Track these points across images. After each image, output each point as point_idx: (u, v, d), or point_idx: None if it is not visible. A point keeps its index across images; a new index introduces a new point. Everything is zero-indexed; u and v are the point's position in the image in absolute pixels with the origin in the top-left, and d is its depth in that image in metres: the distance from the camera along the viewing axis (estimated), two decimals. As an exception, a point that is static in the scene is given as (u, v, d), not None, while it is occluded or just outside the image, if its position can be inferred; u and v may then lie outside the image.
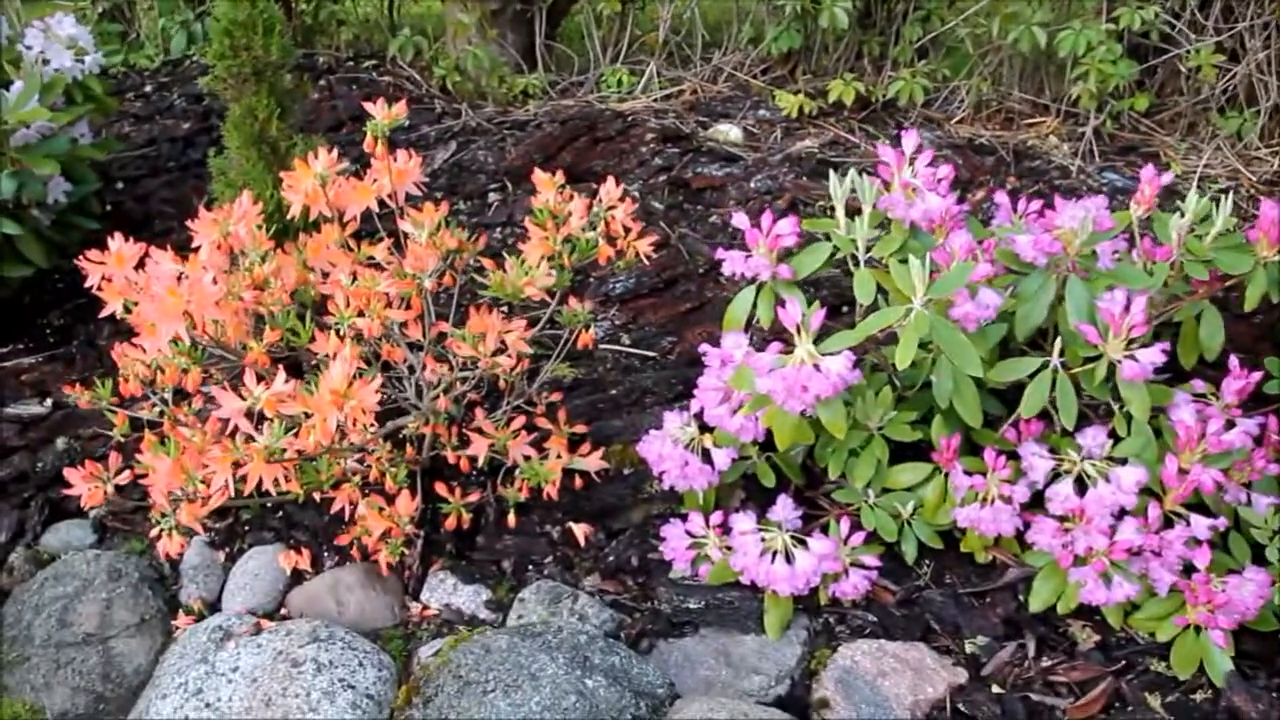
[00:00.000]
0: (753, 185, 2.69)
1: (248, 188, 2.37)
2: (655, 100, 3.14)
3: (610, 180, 1.71)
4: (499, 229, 2.64)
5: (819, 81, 3.09)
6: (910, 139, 1.57)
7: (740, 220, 1.56)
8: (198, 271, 1.52)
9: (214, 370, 1.73)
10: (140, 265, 1.66)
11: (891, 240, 1.47)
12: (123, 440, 1.68)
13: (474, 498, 1.64)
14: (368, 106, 1.71)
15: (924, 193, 1.53)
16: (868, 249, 1.51)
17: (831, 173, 1.56)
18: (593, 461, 1.69)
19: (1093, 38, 2.63)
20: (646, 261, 1.70)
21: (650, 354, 2.14)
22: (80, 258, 1.64)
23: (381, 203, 1.73)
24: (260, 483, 1.34)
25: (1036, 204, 1.78)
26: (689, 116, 3.04)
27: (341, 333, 1.43)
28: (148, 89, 3.53)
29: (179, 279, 1.54)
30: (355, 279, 1.48)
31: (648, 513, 1.73)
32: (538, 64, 3.31)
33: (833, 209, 2.61)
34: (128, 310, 1.61)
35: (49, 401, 2.17)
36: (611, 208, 1.69)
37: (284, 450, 1.30)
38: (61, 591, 1.65)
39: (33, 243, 2.30)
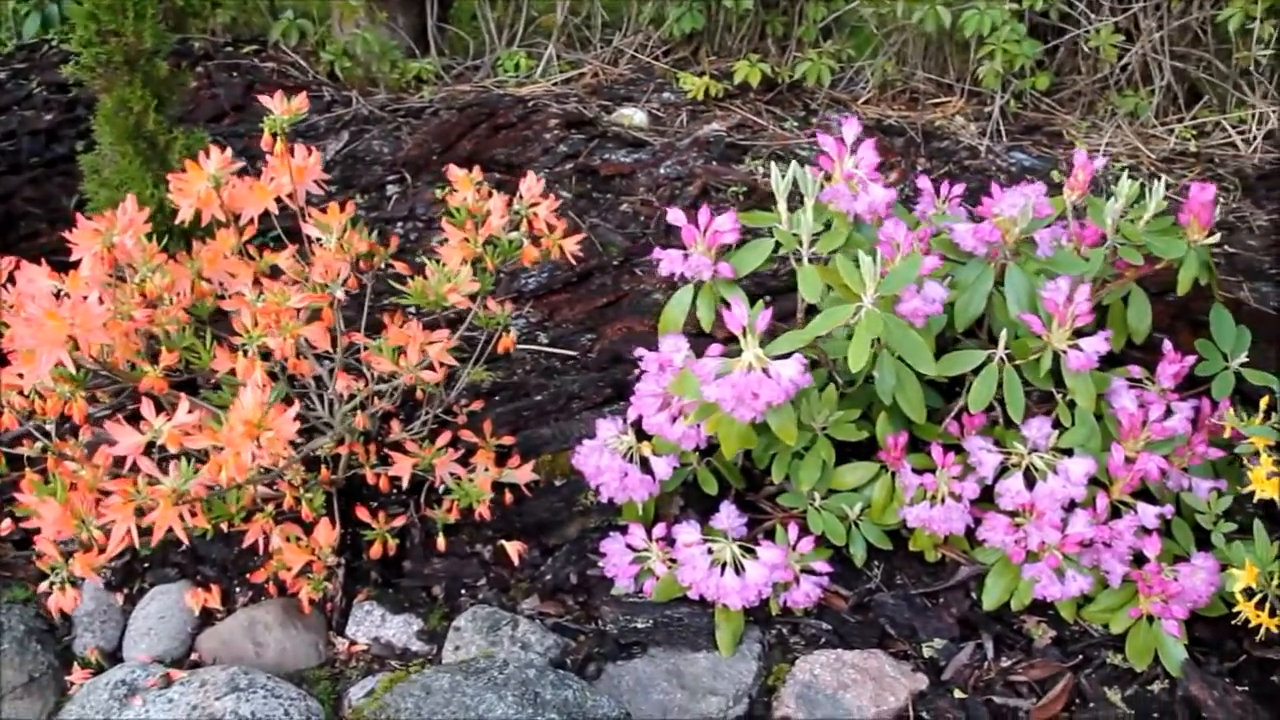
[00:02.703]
0: (662, 171, 2.61)
1: (124, 187, 2.19)
2: (555, 85, 3.03)
3: (530, 175, 1.60)
4: (400, 224, 2.51)
5: (723, 63, 3.02)
6: (850, 127, 1.51)
7: (676, 217, 1.47)
8: (79, 288, 1.36)
9: (100, 395, 1.57)
10: (9, 280, 1.50)
11: (836, 235, 1.41)
12: (-2, 479, 1.51)
13: (399, 522, 1.53)
14: (264, 100, 1.56)
15: (867, 184, 1.47)
16: (811, 244, 1.45)
17: (773, 165, 1.49)
18: (523, 474, 1.60)
19: (997, 18, 2.62)
20: (571, 259, 1.60)
21: (570, 353, 2.05)
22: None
23: (279, 202, 1.59)
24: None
25: (959, 188, 1.75)
26: (591, 101, 2.94)
27: (249, 353, 1.30)
28: (1, 76, 3.26)
29: (57, 296, 1.39)
30: (261, 292, 1.35)
31: (584, 526, 1.64)
32: (430, 48, 3.16)
33: (744, 194, 2.58)
34: None
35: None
36: (534, 205, 1.58)
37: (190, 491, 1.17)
38: (-68, 652, 1.47)
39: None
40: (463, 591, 1.57)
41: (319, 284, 1.42)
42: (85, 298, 1.30)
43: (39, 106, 3.12)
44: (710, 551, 1.48)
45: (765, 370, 1.34)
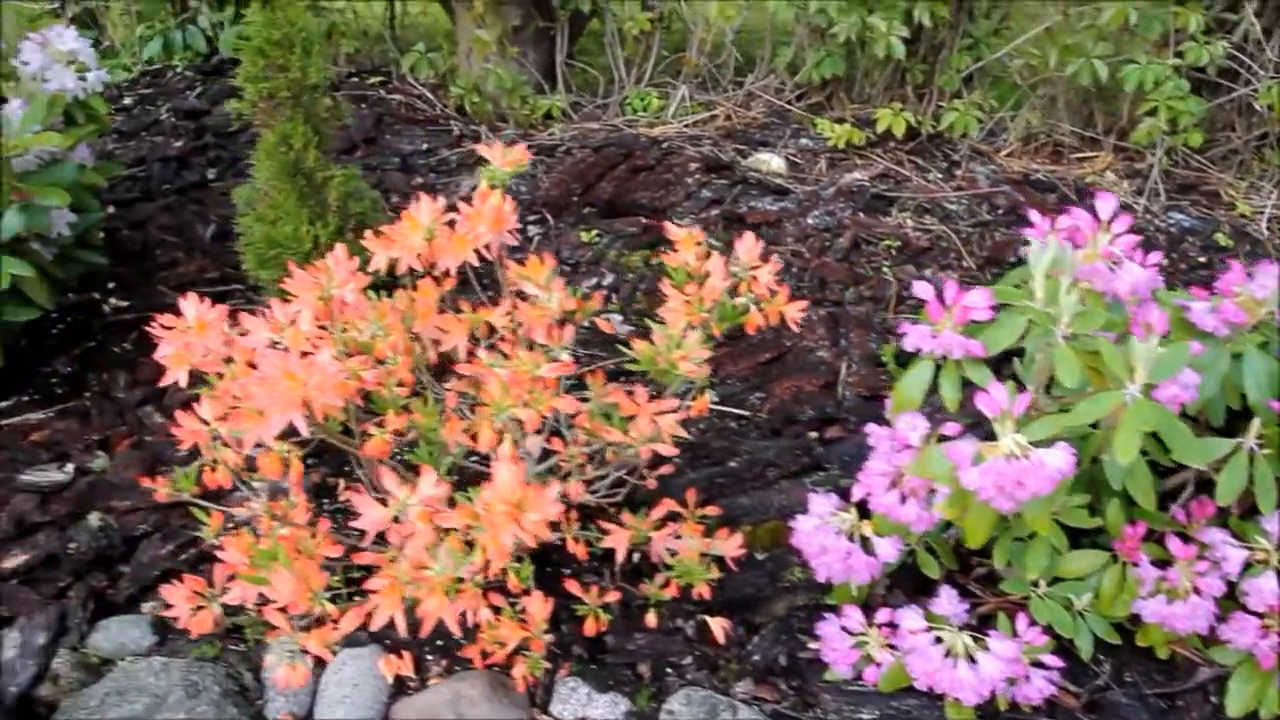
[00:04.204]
0: (810, 221, 2.55)
1: (279, 223, 2.16)
2: (687, 126, 2.98)
3: (749, 236, 1.54)
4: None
5: (859, 109, 2.97)
6: (1107, 202, 1.44)
7: (924, 290, 1.41)
8: (299, 344, 1.32)
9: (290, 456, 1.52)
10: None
11: (1093, 315, 1.33)
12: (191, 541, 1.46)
13: (612, 597, 1.46)
14: (481, 150, 1.51)
15: (1126, 263, 1.40)
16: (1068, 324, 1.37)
17: (1033, 241, 1.41)
18: (731, 548, 1.53)
19: (1159, 73, 2.54)
20: (795, 329, 1.53)
21: (743, 413, 1.98)
22: (154, 323, 1.42)
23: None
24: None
25: (1154, 256, 1.66)
26: (726, 144, 2.89)
27: (498, 425, 1.24)
28: (127, 101, 3.26)
29: (274, 347, 1.34)
30: (492, 355, 1.29)
31: (791, 604, 1.57)
32: (558, 84, 3.12)
33: (897, 248, 2.50)
34: (203, 382, 1.40)
35: (70, 467, 1.92)
36: (754, 268, 1.52)
37: (460, 579, 1.11)
38: (129, 712, 1.42)
39: (37, 282, 2.04)
40: (669, 670, 1.50)
41: (545, 347, 1.36)
42: (319, 358, 1.25)
43: (167, 133, 3.11)
44: (939, 640, 1.41)
45: (1026, 457, 1.26)
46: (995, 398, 1.29)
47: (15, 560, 1.72)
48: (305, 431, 1.23)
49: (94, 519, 1.77)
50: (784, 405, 2.00)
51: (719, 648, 1.52)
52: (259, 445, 1.30)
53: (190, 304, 1.43)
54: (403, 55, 3.19)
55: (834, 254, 2.44)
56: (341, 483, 1.80)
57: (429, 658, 1.53)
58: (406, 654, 1.50)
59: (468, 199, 2.78)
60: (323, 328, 1.44)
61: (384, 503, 1.18)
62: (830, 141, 2.83)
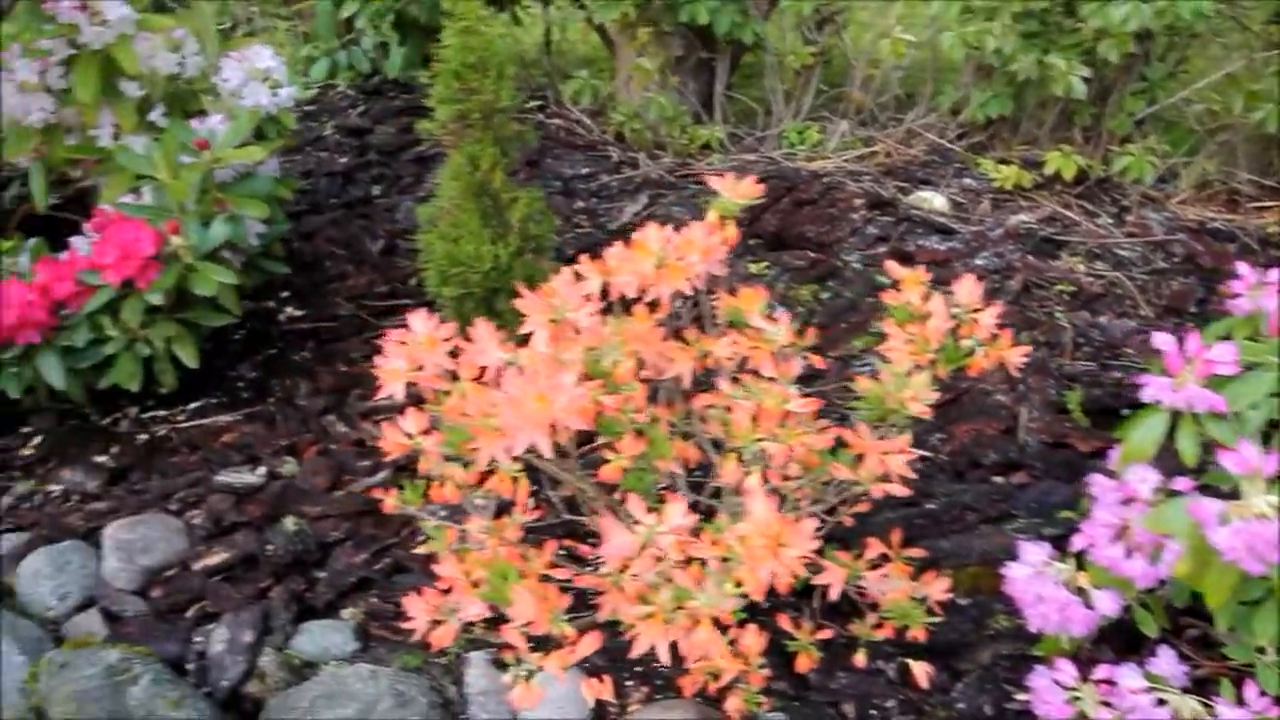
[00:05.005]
0: (979, 262, 2.52)
1: (461, 242, 2.20)
2: (846, 161, 2.97)
3: (969, 278, 1.52)
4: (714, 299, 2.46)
5: (1023, 150, 2.93)
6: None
7: (1163, 341, 1.37)
8: (535, 365, 1.33)
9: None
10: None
11: (1349, 375, 1.29)
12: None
13: (824, 634, 1.45)
14: (711, 181, 1.52)
15: (1386, 323, 1.36)
16: (1318, 382, 1.33)
17: (1242, 293, 1.38)
18: (938, 591, 1.50)
19: (1355, 123, 2.47)
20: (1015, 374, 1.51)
21: (925, 453, 1.95)
22: (384, 342, 1.45)
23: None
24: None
25: None
26: (886, 181, 2.87)
27: (746, 458, 1.24)
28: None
29: (508, 367, 1.37)
30: (744, 388, 1.29)
31: (995, 652, 1.54)
32: (716, 114, 3.14)
33: (1070, 293, 2.46)
34: (418, 402, 1.43)
35: (261, 470, 1.98)
36: (975, 310, 1.50)
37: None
38: (339, 716, 1.45)
39: (231, 290, 2.11)
40: (873, 711, 1.48)
41: (788, 382, 1.36)
42: (563, 380, 1.26)
43: (331, 149, 3.20)
44: (1162, 702, 1.36)
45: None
46: (1247, 457, 1.25)
47: (217, 558, 1.77)
48: (548, 453, 1.25)
49: (289, 523, 1.82)
50: (965, 448, 1.97)
51: (922, 692, 1.49)
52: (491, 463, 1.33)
53: (419, 319, 1.46)
54: (560, 81, 3.24)
55: (1004, 296, 2.40)
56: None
57: (628, 684, 1.53)
58: (608, 678, 1.50)
59: (631, 226, 2.79)
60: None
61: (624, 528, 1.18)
62: (996, 182, 2.79)
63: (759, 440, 1.24)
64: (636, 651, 1.17)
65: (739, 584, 1.11)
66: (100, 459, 2.03)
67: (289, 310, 2.50)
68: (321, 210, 2.89)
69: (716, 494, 1.53)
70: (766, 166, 2.93)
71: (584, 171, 2.95)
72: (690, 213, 2.72)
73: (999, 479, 1.89)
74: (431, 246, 2.24)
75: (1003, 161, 2.84)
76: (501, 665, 1.56)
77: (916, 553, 1.55)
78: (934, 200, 2.78)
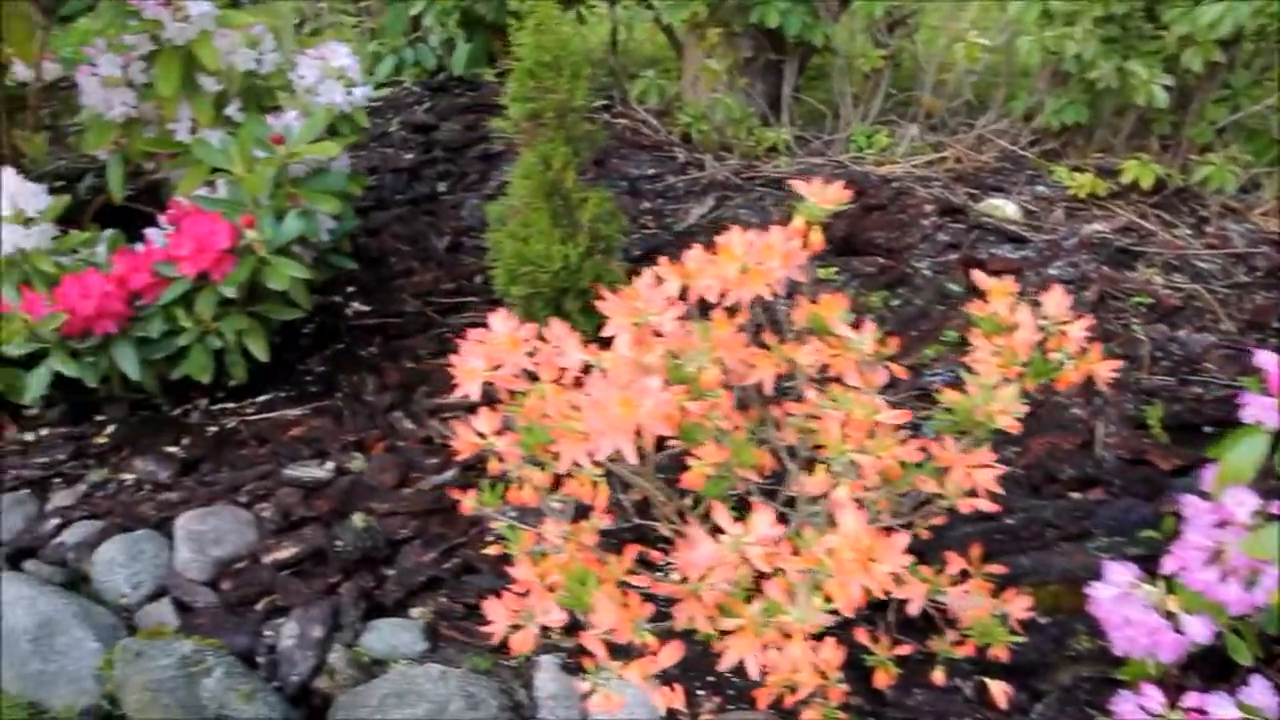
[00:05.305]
0: (1052, 272, 2.46)
1: (530, 240, 2.19)
2: (915, 166, 2.93)
3: (1057, 290, 1.49)
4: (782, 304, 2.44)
5: (1098, 158, 2.87)
6: None
7: (1266, 360, 1.33)
8: (618, 369, 1.32)
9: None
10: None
11: None
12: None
13: (904, 649, 1.42)
14: (796, 186, 1.49)
15: None
16: None
17: None
18: (1019, 609, 1.47)
19: None
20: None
21: (1002, 467, 1.91)
22: (461, 346, 1.44)
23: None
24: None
25: None
26: (956, 187, 2.82)
27: (836, 469, 1.22)
28: (361, 113, 3.37)
29: (587, 371, 1.36)
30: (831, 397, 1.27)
31: (1076, 674, 1.51)
32: (783, 116, 3.11)
33: (1148, 306, 2.40)
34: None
35: (329, 465, 1.98)
36: (1063, 322, 1.47)
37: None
38: (409, 716, 1.44)
39: (301, 284, 2.12)
40: (949, 731, 1.45)
41: (872, 392, 1.33)
42: (649, 386, 1.25)
43: (397, 145, 3.21)
44: (1253, 732, 1.32)
45: (1390, 549, 1.18)
46: (1355, 481, 1.20)
47: (286, 552, 1.78)
48: (632, 458, 1.23)
49: (357, 519, 1.82)
50: (1040, 461, 1.93)
51: (1000, 712, 1.46)
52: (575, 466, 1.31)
53: (499, 319, 1.45)
54: (626, 80, 3.23)
55: (1080, 308, 2.34)
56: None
57: (699, 692, 1.51)
58: (679, 687, 1.48)
59: (697, 228, 2.77)
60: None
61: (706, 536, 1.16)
62: (1070, 190, 2.74)
63: (849, 451, 1.21)
64: (725, 665, 1.15)
65: (828, 598, 1.09)
66: (171, 449, 2.05)
67: (356, 305, 2.51)
68: (388, 206, 2.90)
69: (790, 503, 1.50)
70: (834, 170, 2.89)
71: (650, 172, 2.93)
72: (757, 215, 2.70)
73: (1076, 495, 1.85)
74: (500, 245, 2.23)
75: (1076, 169, 2.78)
76: (572, 670, 1.55)
77: (996, 569, 1.51)
78: (1005, 208, 2.73)
